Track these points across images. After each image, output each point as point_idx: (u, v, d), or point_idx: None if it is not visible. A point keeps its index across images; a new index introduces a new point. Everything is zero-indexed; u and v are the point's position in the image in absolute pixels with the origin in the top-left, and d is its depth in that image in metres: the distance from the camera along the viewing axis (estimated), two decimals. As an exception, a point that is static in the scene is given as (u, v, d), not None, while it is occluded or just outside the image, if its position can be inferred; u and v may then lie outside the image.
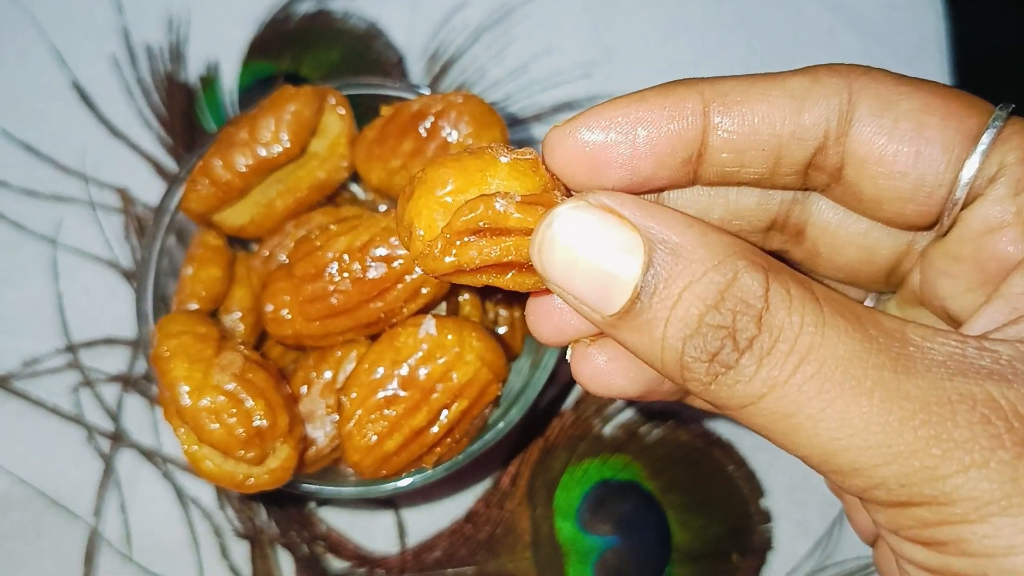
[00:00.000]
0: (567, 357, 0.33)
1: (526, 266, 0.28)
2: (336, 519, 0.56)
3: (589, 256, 0.26)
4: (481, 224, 0.27)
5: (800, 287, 0.25)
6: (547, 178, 0.29)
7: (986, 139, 0.26)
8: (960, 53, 0.69)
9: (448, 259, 0.28)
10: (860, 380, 0.24)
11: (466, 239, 0.28)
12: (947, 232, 0.28)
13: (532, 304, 0.33)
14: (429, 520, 0.57)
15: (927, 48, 0.68)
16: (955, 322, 0.29)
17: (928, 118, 0.27)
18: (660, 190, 0.30)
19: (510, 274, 0.29)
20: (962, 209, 0.27)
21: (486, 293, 0.50)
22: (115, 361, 0.59)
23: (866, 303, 0.34)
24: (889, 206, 0.28)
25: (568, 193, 0.29)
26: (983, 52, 0.70)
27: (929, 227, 0.29)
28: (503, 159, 0.29)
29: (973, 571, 0.23)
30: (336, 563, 0.56)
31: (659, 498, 0.57)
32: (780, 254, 0.33)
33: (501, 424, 0.46)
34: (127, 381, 0.59)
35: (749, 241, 0.32)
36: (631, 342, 0.27)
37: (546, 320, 0.32)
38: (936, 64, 0.68)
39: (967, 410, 0.23)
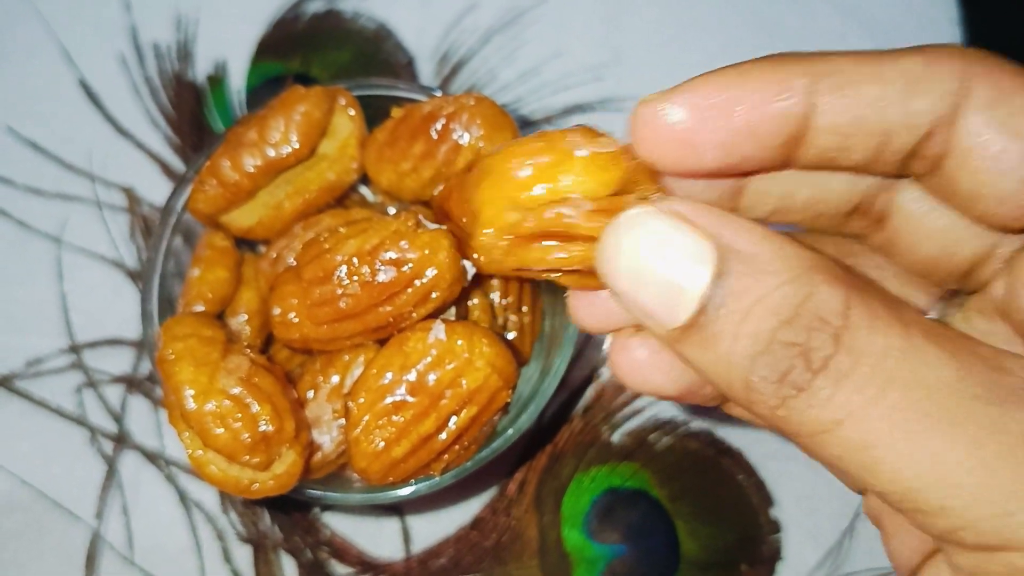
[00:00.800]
0: (604, 347, 0.32)
1: (590, 271, 0.27)
2: (340, 525, 0.56)
3: (656, 265, 0.24)
4: (549, 230, 0.26)
5: (886, 308, 0.23)
6: (628, 170, 0.27)
7: None
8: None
9: (511, 261, 0.27)
10: (952, 411, 0.22)
11: (532, 244, 0.27)
12: None
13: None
14: (435, 527, 0.56)
15: (941, 54, 0.68)
16: None
17: None
18: (751, 174, 0.29)
19: (573, 273, 0.28)
20: None
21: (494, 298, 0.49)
22: (119, 362, 0.59)
23: (934, 310, 0.32)
24: (984, 204, 0.27)
25: (656, 182, 0.28)
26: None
27: (1021, 230, 0.27)
28: (580, 153, 0.27)
29: None
30: (340, 569, 0.55)
31: (667, 507, 0.57)
32: (858, 239, 0.32)
33: (510, 431, 0.45)
34: (131, 383, 0.58)
35: (829, 225, 0.31)
36: (694, 358, 0.25)
37: (588, 306, 0.31)
38: (950, 70, 0.67)
39: None
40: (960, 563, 0.24)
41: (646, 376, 0.30)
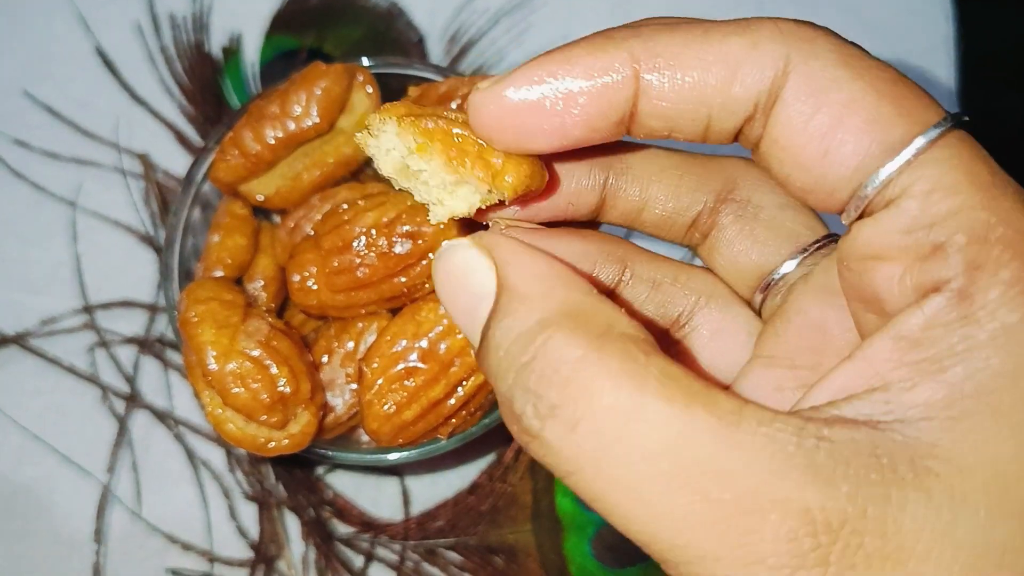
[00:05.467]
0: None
1: None
2: (343, 485, 0.58)
3: (460, 292, 0.26)
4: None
5: (626, 363, 0.23)
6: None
7: (904, 156, 0.24)
8: (966, 57, 0.70)
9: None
10: (670, 476, 0.22)
11: None
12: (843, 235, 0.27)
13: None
14: (434, 491, 0.58)
15: (935, 51, 0.70)
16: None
17: (850, 118, 0.25)
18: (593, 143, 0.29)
19: None
20: (859, 218, 0.26)
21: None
22: (131, 324, 0.61)
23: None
24: (792, 189, 0.27)
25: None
26: (989, 56, 0.72)
27: (838, 213, 0.27)
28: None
29: None
30: (341, 528, 0.57)
31: (657, 478, 0.59)
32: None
33: (513, 399, 0.48)
34: (142, 344, 0.60)
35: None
36: (488, 380, 0.26)
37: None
38: (944, 67, 0.69)
39: (776, 522, 0.21)
40: None
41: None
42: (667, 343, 0.33)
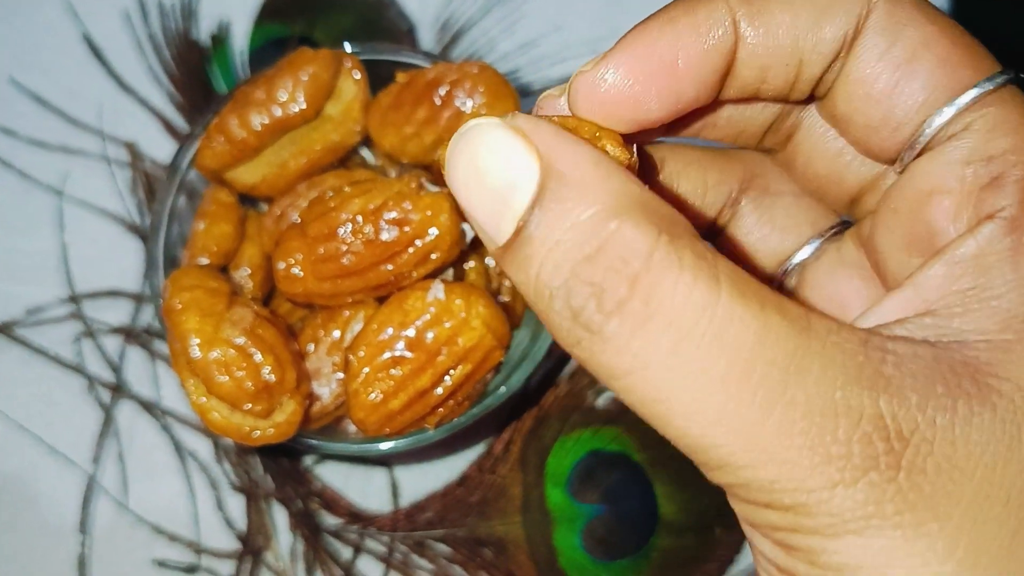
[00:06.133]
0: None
1: None
2: (331, 477, 0.58)
3: (488, 176, 0.24)
4: None
5: (698, 259, 0.22)
6: None
7: (969, 95, 0.25)
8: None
9: None
10: (744, 377, 0.21)
11: None
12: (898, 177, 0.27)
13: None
14: (423, 482, 0.58)
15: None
16: (883, 279, 0.29)
17: (924, 53, 0.25)
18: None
19: None
20: (917, 157, 0.26)
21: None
22: (117, 313, 0.60)
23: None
24: (856, 130, 0.27)
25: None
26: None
27: (891, 163, 0.28)
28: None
29: None
30: (329, 519, 0.57)
31: (647, 471, 0.59)
32: (770, 154, 0.33)
33: (502, 389, 0.47)
34: (129, 334, 0.60)
35: (749, 141, 0.31)
36: (514, 279, 0.24)
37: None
38: (938, 59, 0.69)
39: (850, 425, 0.21)
40: (736, 509, 0.24)
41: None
42: None
